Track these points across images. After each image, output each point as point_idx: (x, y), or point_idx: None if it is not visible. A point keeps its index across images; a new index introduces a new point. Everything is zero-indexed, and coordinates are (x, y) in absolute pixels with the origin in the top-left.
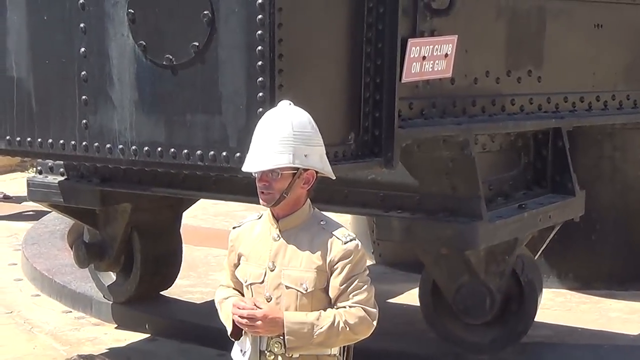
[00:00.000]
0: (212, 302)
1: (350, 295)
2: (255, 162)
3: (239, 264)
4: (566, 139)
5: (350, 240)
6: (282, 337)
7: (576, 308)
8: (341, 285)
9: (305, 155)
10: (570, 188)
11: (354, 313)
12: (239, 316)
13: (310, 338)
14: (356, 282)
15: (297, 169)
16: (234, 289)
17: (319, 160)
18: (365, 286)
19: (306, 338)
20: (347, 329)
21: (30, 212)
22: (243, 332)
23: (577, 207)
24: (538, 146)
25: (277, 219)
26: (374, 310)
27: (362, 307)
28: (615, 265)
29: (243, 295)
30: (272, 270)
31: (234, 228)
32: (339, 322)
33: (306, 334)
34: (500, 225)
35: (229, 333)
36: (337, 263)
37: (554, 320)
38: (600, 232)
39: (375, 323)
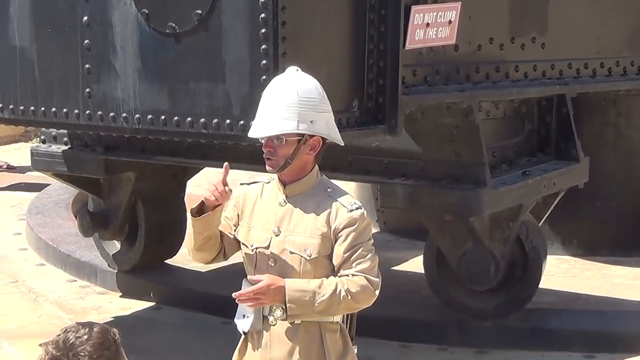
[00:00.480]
0: (217, 270)
1: (354, 264)
2: (260, 127)
3: (239, 223)
4: (570, 105)
5: (356, 208)
6: (284, 304)
7: (580, 274)
8: (345, 253)
9: (311, 122)
10: (574, 155)
11: (356, 282)
12: (244, 297)
13: (311, 306)
14: (360, 250)
15: (302, 135)
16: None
17: (325, 127)
18: (369, 255)
19: (307, 306)
20: (349, 297)
21: (34, 183)
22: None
23: (581, 173)
24: (542, 113)
25: (284, 184)
26: (377, 279)
27: (364, 276)
28: (620, 232)
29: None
30: (277, 236)
31: (241, 184)
32: (340, 291)
33: (307, 302)
34: (504, 191)
35: (190, 224)
36: (341, 231)
37: (558, 287)
38: (604, 199)
39: (377, 292)
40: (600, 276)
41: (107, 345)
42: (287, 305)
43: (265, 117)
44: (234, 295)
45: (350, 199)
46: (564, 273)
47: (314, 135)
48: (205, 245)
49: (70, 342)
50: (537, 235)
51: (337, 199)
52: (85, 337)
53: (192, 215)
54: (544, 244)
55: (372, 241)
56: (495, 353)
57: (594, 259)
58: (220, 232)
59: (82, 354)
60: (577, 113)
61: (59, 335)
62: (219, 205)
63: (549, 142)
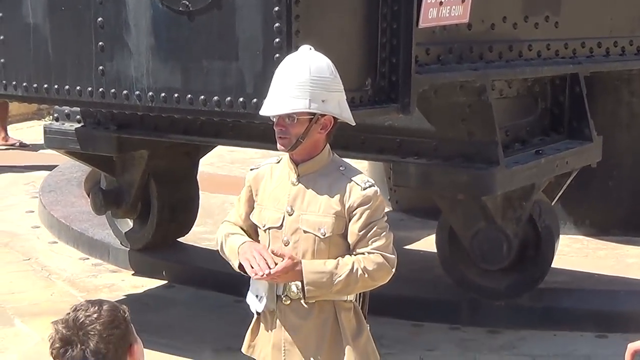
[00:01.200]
0: None
1: (369, 242)
2: (272, 106)
3: (254, 206)
4: (583, 84)
5: (370, 186)
6: (301, 284)
7: (593, 254)
8: (360, 232)
9: (323, 101)
10: (588, 134)
11: (372, 259)
12: (259, 272)
13: (329, 287)
14: (375, 228)
15: (314, 114)
16: (240, 227)
17: (337, 106)
18: (384, 232)
19: (326, 287)
20: (366, 275)
21: (48, 164)
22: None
23: (595, 153)
24: (555, 92)
25: (296, 163)
26: (393, 256)
27: (380, 254)
28: (633, 211)
29: (249, 236)
30: (290, 215)
31: (251, 170)
32: (357, 269)
33: (325, 283)
34: (517, 171)
35: (235, 267)
36: (356, 209)
37: (570, 267)
38: (617, 178)
39: (393, 270)
40: (612, 256)
41: (116, 324)
42: (305, 288)
43: (277, 96)
44: (254, 278)
45: (363, 177)
46: (577, 253)
47: (325, 115)
48: None
49: (80, 321)
50: (549, 215)
51: (350, 178)
52: (95, 315)
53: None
54: (556, 223)
55: (386, 218)
56: (507, 332)
57: (606, 238)
58: (248, 233)
59: (92, 332)
60: (590, 92)
61: (69, 314)
62: None
63: (562, 121)
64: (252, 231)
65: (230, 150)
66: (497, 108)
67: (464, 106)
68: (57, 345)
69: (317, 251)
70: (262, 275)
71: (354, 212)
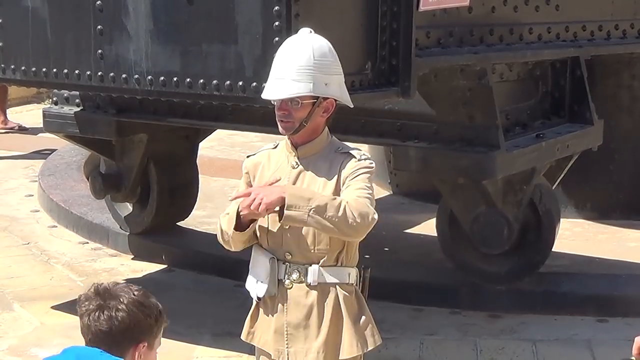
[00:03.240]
0: None
1: (356, 191)
2: (275, 90)
3: None
4: (584, 68)
5: (365, 158)
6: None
7: (594, 238)
8: (349, 181)
9: (326, 84)
10: (589, 117)
11: (359, 202)
12: (243, 199)
13: (308, 202)
14: (362, 184)
15: (317, 97)
16: None
17: (338, 89)
18: (370, 193)
19: (304, 200)
20: (347, 210)
21: (46, 151)
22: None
23: (595, 136)
24: (556, 75)
25: (295, 146)
26: (375, 214)
27: (368, 202)
28: (634, 195)
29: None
30: None
31: (248, 157)
32: (341, 201)
33: (304, 198)
34: (517, 154)
35: (233, 227)
36: (349, 173)
37: (571, 250)
38: (618, 162)
39: (373, 223)
40: (614, 240)
41: (145, 310)
42: (287, 201)
43: (280, 79)
44: (232, 196)
45: (359, 152)
46: (578, 236)
47: (327, 98)
48: (243, 244)
49: (118, 286)
50: (550, 199)
51: (348, 152)
52: (134, 291)
53: (235, 231)
54: (557, 207)
55: (372, 187)
56: (508, 317)
57: (607, 222)
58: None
59: (118, 298)
60: (591, 75)
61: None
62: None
63: (563, 104)
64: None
65: (230, 134)
66: (498, 91)
67: (464, 90)
68: (83, 297)
69: (318, 233)
70: (255, 205)
71: (347, 176)
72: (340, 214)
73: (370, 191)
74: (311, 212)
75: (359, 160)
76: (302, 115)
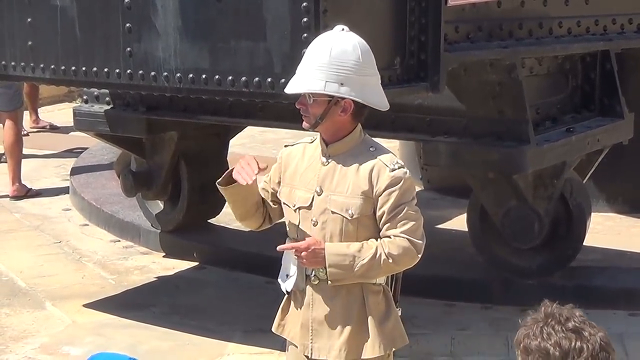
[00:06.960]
0: (260, 230)
1: (397, 224)
2: (292, 84)
3: (281, 183)
4: (614, 61)
5: (399, 167)
6: (324, 268)
7: (626, 232)
8: (389, 214)
9: (341, 84)
10: (619, 111)
11: (398, 244)
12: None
13: (351, 270)
14: (404, 211)
15: (332, 96)
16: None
17: (358, 90)
18: (413, 216)
19: (348, 270)
20: (390, 260)
21: (78, 150)
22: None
23: (626, 130)
24: (586, 69)
25: (326, 144)
26: (420, 242)
27: (407, 238)
28: None
29: (265, 197)
30: (319, 195)
31: (285, 146)
32: (381, 254)
33: (347, 266)
34: (548, 149)
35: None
36: (384, 190)
37: (603, 244)
38: None
39: (419, 255)
40: None
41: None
42: (328, 269)
43: (299, 74)
44: (278, 248)
45: (392, 158)
46: (609, 230)
47: (345, 98)
48: (246, 215)
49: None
50: (581, 193)
51: (379, 158)
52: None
53: (219, 184)
54: (588, 201)
55: (415, 201)
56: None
57: (639, 216)
58: (263, 199)
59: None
60: (621, 69)
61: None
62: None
63: (593, 98)
64: (268, 198)
65: (261, 131)
66: (528, 86)
67: (494, 84)
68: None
69: (345, 233)
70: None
71: (382, 194)
72: (383, 267)
73: (414, 215)
74: (356, 275)
75: (392, 170)
76: (317, 111)
